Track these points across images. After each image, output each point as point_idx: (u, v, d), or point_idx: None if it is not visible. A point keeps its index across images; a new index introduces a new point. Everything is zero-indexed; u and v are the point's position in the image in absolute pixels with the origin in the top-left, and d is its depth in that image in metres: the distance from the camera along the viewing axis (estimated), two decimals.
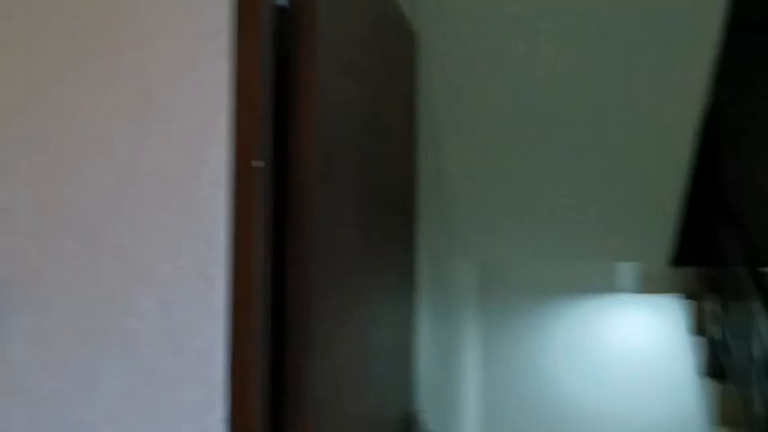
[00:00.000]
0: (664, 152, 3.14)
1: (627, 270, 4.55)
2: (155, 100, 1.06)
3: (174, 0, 1.08)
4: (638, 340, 5.13)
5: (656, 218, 3.52)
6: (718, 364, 3.36)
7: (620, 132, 3.07)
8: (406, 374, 1.73)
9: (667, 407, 5.01)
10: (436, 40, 2.59)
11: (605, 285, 5.09)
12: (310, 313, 1.13)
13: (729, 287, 3.31)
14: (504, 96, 2.93)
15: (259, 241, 1.06)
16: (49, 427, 1.07)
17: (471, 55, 2.75)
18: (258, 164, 1.06)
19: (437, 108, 2.93)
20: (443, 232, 3.21)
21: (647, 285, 4.15)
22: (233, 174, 1.05)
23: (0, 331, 1.08)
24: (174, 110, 1.05)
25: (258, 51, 1.07)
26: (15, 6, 1.11)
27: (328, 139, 1.22)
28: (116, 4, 1.09)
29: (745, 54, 4.42)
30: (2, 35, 1.11)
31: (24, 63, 1.10)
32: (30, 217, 1.09)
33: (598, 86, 2.87)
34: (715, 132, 3.72)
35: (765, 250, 3.60)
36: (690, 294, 3.90)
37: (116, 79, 1.08)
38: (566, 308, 5.25)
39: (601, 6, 2.56)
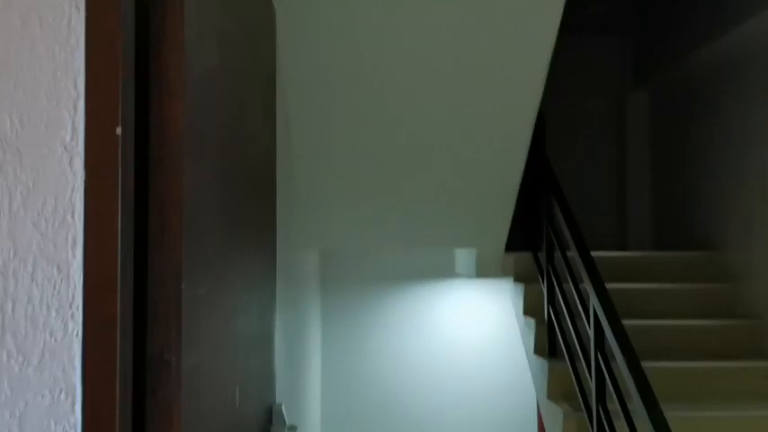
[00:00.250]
0: (502, 144, 3.26)
1: (465, 255, 4.70)
2: None
3: None
4: (474, 321, 5.34)
5: (493, 207, 3.66)
6: (551, 343, 3.55)
7: (464, 127, 3.14)
8: (268, 365, 1.64)
9: (502, 384, 5.27)
10: (293, 19, 2.50)
11: (444, 270, 5.24)
12: (178, 301, 1.01)
13: (561, 270, 3.50)
14: (354, 82, 2.89)
15: (119, 220, 0.93)
16: None
17: (324, 35, 2.68)
18: (119, 131, 0.92)
19: (288, 89, 2.83)
20: (290, 217, 3.12)
21: (484, 270, 4.30)
22: (89, 141, 0.91)
23: None
24: (16, 64, 0.89)
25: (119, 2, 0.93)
26: None
27: (194, 107, 1.10)
28: None
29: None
30: None
31: None
32: None
33: (446, 82, 2.91)
34: (544, 126, 3.92)
35: (593, 236, 3.86)
36: (523, 278, 4.09)
37: None
38: (405, 292, 5.34)
39: (452, 6, 2.59)
